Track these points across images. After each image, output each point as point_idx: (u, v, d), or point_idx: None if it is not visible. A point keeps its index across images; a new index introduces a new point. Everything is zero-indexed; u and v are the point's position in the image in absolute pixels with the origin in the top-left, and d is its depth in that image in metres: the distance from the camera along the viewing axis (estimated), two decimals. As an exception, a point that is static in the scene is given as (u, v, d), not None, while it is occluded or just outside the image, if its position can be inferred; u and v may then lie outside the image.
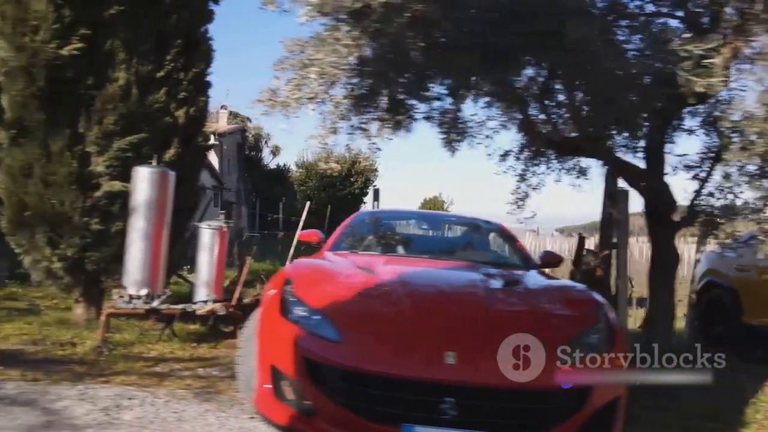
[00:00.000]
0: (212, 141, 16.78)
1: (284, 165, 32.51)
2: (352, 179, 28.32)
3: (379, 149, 5.46)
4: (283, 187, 29.00)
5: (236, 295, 4.72)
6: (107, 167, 4.57)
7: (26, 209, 4.50)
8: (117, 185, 4.57)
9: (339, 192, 27.33)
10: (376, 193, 9.11)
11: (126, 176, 4.62)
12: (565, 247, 17.69)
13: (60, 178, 4.45)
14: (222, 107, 26.43)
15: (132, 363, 3.97)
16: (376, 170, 29.95)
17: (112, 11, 4.55)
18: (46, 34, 4.32)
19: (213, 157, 21.43)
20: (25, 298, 6.38)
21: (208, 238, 4.71)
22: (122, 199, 4.65)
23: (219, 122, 25.25)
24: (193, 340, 4.72)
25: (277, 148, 35.21)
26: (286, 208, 22.80)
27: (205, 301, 4.54)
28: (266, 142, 34.46)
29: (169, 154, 4.85)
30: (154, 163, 4.56)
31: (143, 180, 4.43)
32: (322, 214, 14.34)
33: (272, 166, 33.24)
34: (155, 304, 4.35)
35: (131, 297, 4.34)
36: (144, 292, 4.36)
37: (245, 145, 29.38)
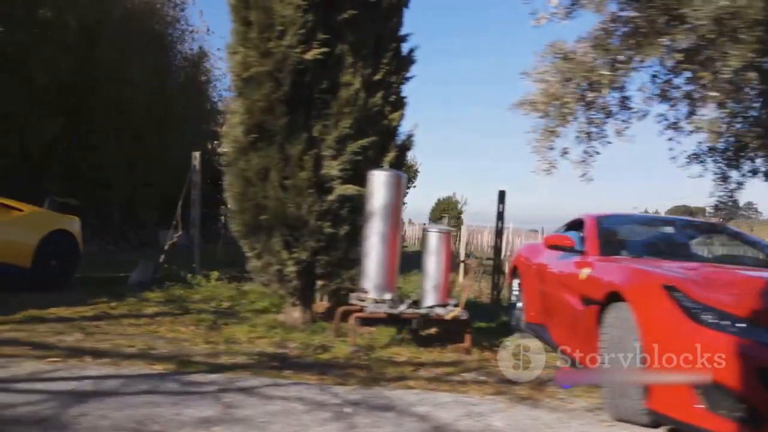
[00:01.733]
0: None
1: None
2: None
3: (597, 153, 5.47)
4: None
5: (463, 300, 4.70)
6: (340, 171, 4.57)
7: (262, 213, 4.51)
8: (351, 189, 4.57)
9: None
10: (502, 195, 9.04)
11: (355, 180, 4.64)
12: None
13: (299, 181, 4.46)
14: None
15: (397, 367, 3.96)
16: (417, 171, 30.07)
17: (345, 15, 4.56)
18: (293, 39, 4.33)
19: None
20: (190, 299, 6.42)
21: (436, 241, 4.69)
22: (351, 202, 4.66)
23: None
24: (418, 344, 4.71)
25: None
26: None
27: (445, 305, 4.52)
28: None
29: (390, 156, 4.85)
30: (386, 166, 4.57)
31: (380, 183, 4.43)
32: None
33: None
34: (402, 308, 4.35)
35: (376, 301, 4.35)
36: (388, 296, 4.36)
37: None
